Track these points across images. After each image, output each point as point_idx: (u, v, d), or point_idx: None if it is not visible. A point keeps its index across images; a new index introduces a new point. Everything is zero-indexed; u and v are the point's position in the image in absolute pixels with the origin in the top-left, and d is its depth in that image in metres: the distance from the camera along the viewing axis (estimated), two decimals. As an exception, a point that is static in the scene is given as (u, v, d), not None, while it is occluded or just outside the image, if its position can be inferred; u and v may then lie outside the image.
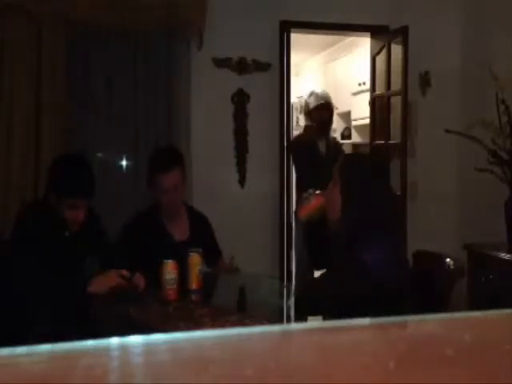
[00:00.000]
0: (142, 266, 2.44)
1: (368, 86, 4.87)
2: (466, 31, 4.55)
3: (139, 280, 2.39)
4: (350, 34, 5.24)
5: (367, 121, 4.97)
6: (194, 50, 4.11)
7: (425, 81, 4.52)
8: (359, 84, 5.85)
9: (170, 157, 2.74)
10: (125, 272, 2.37)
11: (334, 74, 6.60)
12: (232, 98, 4.27)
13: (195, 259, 2.39)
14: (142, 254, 2.56)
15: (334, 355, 0.52)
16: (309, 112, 4.54)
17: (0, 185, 3.76)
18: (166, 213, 2.74)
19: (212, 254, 2.74)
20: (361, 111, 5.80)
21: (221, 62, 4.21)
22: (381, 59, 4.48)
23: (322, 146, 4.42)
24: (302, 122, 7.30)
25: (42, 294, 2.23)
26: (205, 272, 2.46)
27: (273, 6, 4.26)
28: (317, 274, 2.50)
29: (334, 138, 5.06)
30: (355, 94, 6.04)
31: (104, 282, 2.33)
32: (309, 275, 3.54)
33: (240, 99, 4.27)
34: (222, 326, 1.88)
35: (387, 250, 2.02)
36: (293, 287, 3.03)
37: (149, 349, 0.51)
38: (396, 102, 4.32)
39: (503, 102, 3.54)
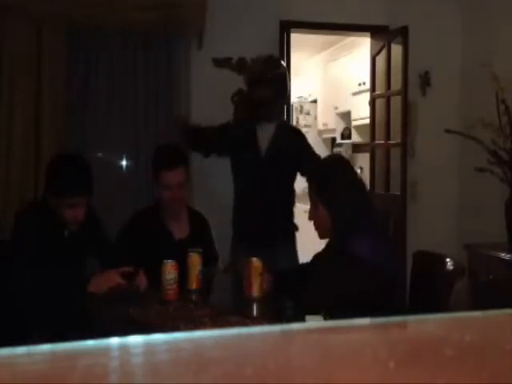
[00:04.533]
0: (141, 264, 2.44)
1: (368, 86, 4.87)
2: (465, 31, 4.55)
3: (141, 280, 2.40)
4: (350, 34, 5.24)
5: (367, 121, 4.96)
6: (194, 49, 4.11)
7: (425, 81, 4.53)
8: (359, 84, 5.85)
9: (176, 154, 2.76)
10: (126, 269, 2.37)
11: (334, 73, 6.60)
12: (232, 98, 4.27)
13: (195, 259, 2.38)
14: (142, 252, 2.57)
15: (334, 355, 0.51)
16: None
17: (0, 185, 3.77)
18: (166, 211, 2.75)
19: (209, 257, 2.73)
20: (361, 111, 5.80)
21: (221, 62, 4.21)
22: (381, 59, 4.48)
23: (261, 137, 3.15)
24: (302, 121, 7.32)
25: (42, 293, 2.23)
26: (205, 272, 2.46)
27: (273, 6, 4.26)
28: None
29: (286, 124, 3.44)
30: (355, 93, 6.04)
31: (103, 282, 2.32)
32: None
33: (240, 99, 4.27)
34: (222, 325, 1.88)
35: (380, 244, 2.08)
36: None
37: (149, 349, 0.51)
38: (396, 101, 4.32)
39: (503, 101, 3.54)
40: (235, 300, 2.41)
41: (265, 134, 3.12)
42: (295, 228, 3.23)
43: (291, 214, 3.23)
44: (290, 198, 3.23)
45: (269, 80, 3.13)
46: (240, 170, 3.22)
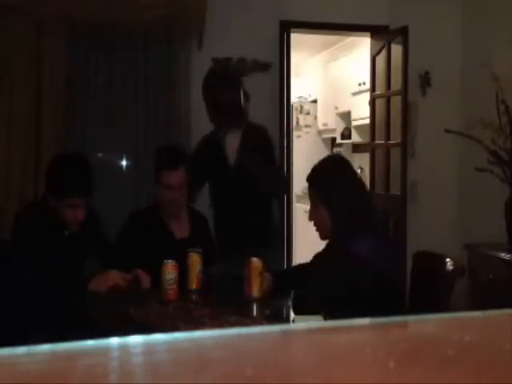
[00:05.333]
0: (142, 264, 2.44)
1: (368, 86, 4.87)
2: (466, 31, 4.55)
3: (143, 280, 2.40)
4: (350, 34, 5.24)
5: (367, 121, 4.97)
6: (194, 49, 4.11)
7: (425, 81, 4.53)
8: (359, 84, 5.85)
9: (177, 154, 2.76)
10: (128, 277, 2.38)
11: (334, 73, 6.60)
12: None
13: (195, 259, 2.38)
14: (143, 252, 2.57)
15: (334, 355, 0.51)
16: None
17: (0, 185, 3.77)
18: (167, 211, 2.75)
19: (209, 257, 2.73)
20: (361, 111, 5.80)
21: (221, 62, 4.21)
22: (381, 59, 4.48)
23: (229, 146, 3.06)
24: (303, 121, 7.32)
25: (42, 293, 2.23)
26: (205, 272, 2.46)
27: (273, 6, 4.26)
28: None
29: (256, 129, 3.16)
30: (355, 94, 6.04)
31: (103, 281, 2.33)
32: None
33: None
34: (222, 326, 1.88)
35: (380, 244, 2.10)
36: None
37: (149, 349, 0.51)
38: (396, 101, 4.32)
39: (503, 102, 3.54)
40: (235, 300, 2.41)
41: (232, 143, 3.04)
42: (273, 235, 3.20)
43: (271, 216, 3.21)
44: (267, 201, 3.20)
45: (240, 83, 3.06)
46: (213, 184, 3.15)
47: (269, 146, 3.14)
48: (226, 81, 3.03)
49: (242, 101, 3.04)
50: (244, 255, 2.34)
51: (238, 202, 3.03)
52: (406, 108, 4.25)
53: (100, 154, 4.10)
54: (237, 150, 3.04)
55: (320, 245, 2.36)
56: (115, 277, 2.35)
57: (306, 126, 7.28)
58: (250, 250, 2.80)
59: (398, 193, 4.30)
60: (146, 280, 2.41)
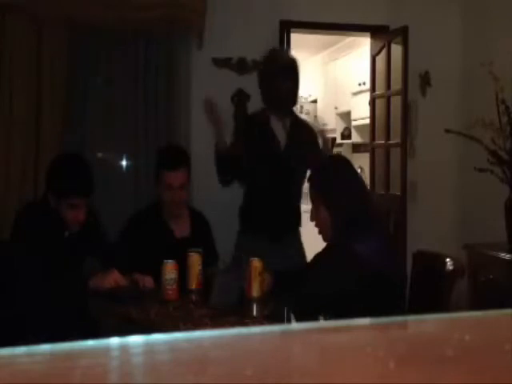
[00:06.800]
0: (143, 262, 2.44)
1: (368, 86, 4.87)
2: (466, 31, 4.55)
3: (146, 280, 2.41)
4: (350, 34, 5.24)
5: (367, 121, 4.97)
6: (194, 50, 4.11)
7: (425, 81, 4.52)
8: (359, 84, 5.86)
9: (178, 155, 2.76)
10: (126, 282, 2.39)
11: (334, 73, 6.60)
12: (232, 98, 4.27)
13: (195, 259, 2.39)
14: (143, 251, 2.57)
15: (334, 355, 0.51)
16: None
17: (0, 185, 3.77)
18: (168, 211, 2.75)
19: (209, 256, 2.74)
20: (361, 111, 5.81)
21: (221, 62, 4.21)
22: (381, 59, 4.48)
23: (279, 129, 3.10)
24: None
25: (42, 294, 2.23)
26: (206, 272, 2.46)
27: (273, 6, 4.26)
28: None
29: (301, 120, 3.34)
30: (355, 94, 6.04)
31: (102, 280, 2.33)
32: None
33: (240, 99, 4.27)
34: (222, 326, 1.88)
35: (380, 244, 2.11)
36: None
37: (149, 349, 0.51)
38: (396, 101, 4.32)
39: (503, 102, 3.53)
40: (235, 300, 2.41)
41: (283, 129, 3.06)
42: (299, 223, 3.21)
43: (299, 209, 3.22)
44: (300, 193, 3.20)
45: (294, 70, 3.07)
46: (257, 163, 3.07)
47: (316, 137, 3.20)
48: (288, 67, 3.06)
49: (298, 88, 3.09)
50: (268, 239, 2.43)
51: (278, 185, 3.00)
52: (406, 108, 4.25)
53: (100, 154, 4.10)
54: (287, 136, 3.06)
55: (321, 244, 2.36)
56: (116, 279, 2.35)
57: (306, 126, 7.27)
58: (275, 235, 2.91)
59: (398, 193, 4.30)
60: (148, 281, 2.41)
